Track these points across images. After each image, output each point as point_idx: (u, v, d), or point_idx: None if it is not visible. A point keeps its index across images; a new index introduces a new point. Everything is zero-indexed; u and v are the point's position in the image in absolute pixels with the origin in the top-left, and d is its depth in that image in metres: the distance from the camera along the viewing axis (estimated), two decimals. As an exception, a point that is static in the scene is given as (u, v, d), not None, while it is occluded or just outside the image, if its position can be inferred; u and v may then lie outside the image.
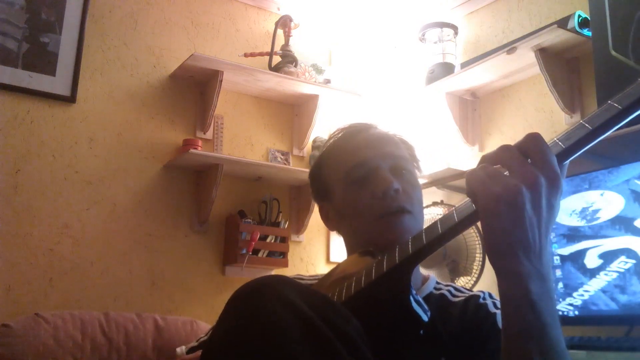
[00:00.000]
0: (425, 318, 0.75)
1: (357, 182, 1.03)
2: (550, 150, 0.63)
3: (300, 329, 0.63)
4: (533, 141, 0.63)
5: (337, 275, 0.95)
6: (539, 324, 0.60)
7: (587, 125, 0.63)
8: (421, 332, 0.76)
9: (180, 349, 1.20)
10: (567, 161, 0.65)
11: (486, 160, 0.66)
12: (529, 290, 0.60)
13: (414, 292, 0.76)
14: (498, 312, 0.94)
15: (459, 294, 1.03)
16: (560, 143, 0.64)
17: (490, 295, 1.01)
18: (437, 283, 1.08)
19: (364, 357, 0.65)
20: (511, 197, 0.60)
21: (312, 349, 0.62)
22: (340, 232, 1.11)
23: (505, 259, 0.62)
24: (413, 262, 0.76)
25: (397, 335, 0.76)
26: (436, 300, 1.02)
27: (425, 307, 0.77)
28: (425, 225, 1.09)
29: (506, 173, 0.63)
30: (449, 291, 1.04)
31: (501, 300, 0.64)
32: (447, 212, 2.23)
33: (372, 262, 0.82)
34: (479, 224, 0.67)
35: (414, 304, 0.75)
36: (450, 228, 0.70)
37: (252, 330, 0.64)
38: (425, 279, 1.08)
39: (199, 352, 1.01)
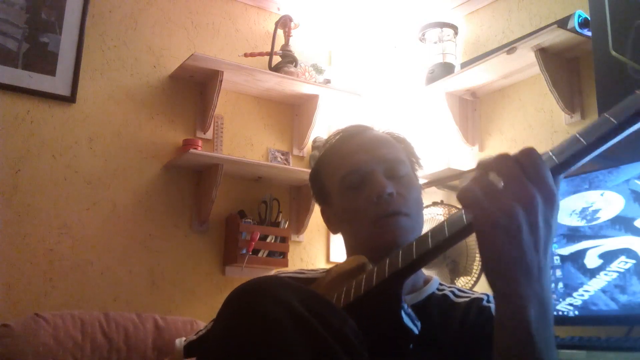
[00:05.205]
0: (415, 331, 0.75)
1: (353, 187, 1.03)
2: (546, 166, 0.61)
3: (297, 329, 0.63)
4: (528, 156, 0.61)
5: (330, 277, 0.96)
6: (532, 352, 0.59)
7: (581, 139, 0.62)
8: (411, 346, 0.76)
9: (179, 341, 1.20)
10: (562, 175, 0.64)
11: (482, 167, 0.64)
12: (526, 314, 0.59)
13: (405, 305, 0.76)
14: None
15: (463, 294, 1.03)
16: (554, 157, 0.63)
17: None
18: (440, 284, 1.08)
19: (360, 357, 0.65)
20: (507, 220, 0.59)
21: (308, 348, 0.62)
22: (341, 234, 1.11)
23: (503, 281, 0.61)
24: (403, 275, 0.76)
25: (389, 348, 0.76)
26: (438, 301, 1.02)
27: (417, 321, 0.76)
28: (426, 226, 1.09)
29: (501, 184, 0.61)
30: (452, 292, 1.04)
31: (496, 322, 0.63)
32: (447, 211, 2.19)
33: (362, 274, 0.82)
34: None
35: (405, 318, 0.75)
36: (441, 242, 0.69)
37: (249, 330, 0.64)
38: (428, 280, 1.07)
39: None
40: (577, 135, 0.62)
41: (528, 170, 0.61)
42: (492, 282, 0.62)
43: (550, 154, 0.64)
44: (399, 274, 0.74)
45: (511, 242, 0.59)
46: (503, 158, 0.62)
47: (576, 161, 0.62)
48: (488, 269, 0.62)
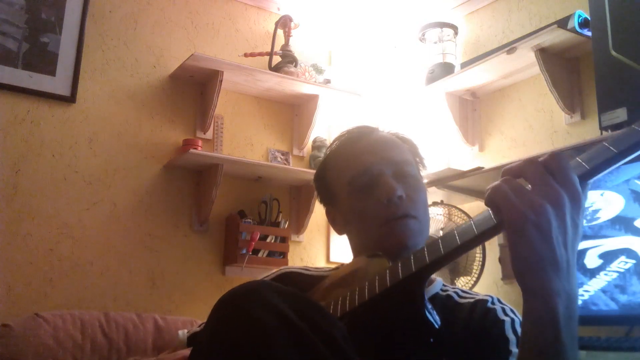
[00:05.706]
0: (437, 326, 0.76)
1: (362, 189, 1.03)
2: (571, 168, 0.63)
3: (285, 333, 0.64)
4: (554, 160, 0.63)
5: (339, 275, 0.96)
6: (558, 347, 0.60)
7: (611, 148, 0.64)
8: (431, 339, 0.76)
9: (182, 333, 1.20)
10: (589, 181, 0.66)
11: (509, 172, 0.65)
12: (555, 310, 0.60)
13: (427, 302, 0.76)
14: (507, 319, 0.94)
15: (467, 295, 1.03)
16: (584, 164, 0.65)
17: (499, 301, 1.00)
18: (444, 285, 1.08)
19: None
20: (537, 216, 0.60)
21: (296, 352, 0.63)
22: (346, 235, 1.12)
23: (534, 277, 0.61)
24: (429, 271, 0.76)
25: (406, 341, 0.76)
26: (442, 301, 1.02)
27: (436, 315, 0.77)
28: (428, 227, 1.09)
29: (528, 187, 0.63)
30: (456, 293, 1.04)
31: (524, 317, 0.64)
32: (447, 211, 2.19)
33: (385, 268, 0.83)
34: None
35: (427, 313, 0.76)
36: (469, 240, 0.69)
37: (237, 334, 0.65)
38: (432, 281, 1.08)
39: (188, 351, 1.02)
40: (606, 144, 0.65)
41: (554, 172, 0.63)
42: (522, 279, 0.63)
43: (580, 160, 0.66)
44: (425, 268, 0.75)
45: (542, 237, 0.60)
46: (529, 162, 0.64)
47: (606, 168, 0.64)
48: (519, 266, 0.62)
